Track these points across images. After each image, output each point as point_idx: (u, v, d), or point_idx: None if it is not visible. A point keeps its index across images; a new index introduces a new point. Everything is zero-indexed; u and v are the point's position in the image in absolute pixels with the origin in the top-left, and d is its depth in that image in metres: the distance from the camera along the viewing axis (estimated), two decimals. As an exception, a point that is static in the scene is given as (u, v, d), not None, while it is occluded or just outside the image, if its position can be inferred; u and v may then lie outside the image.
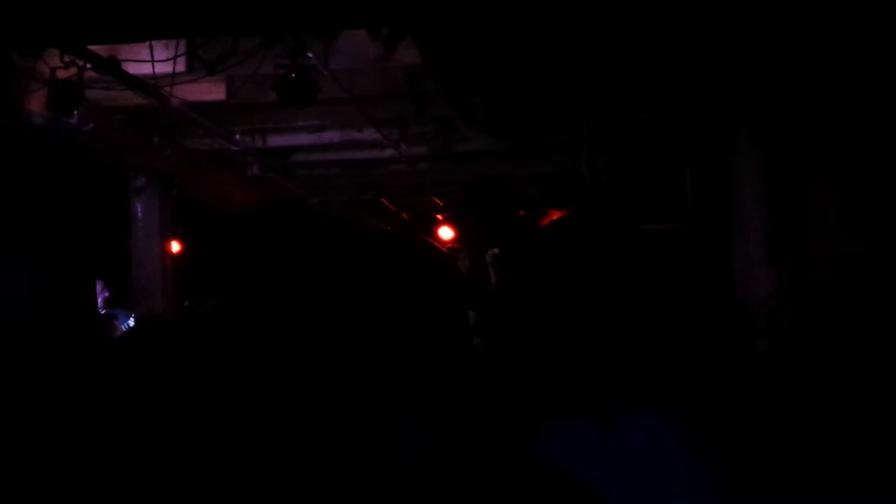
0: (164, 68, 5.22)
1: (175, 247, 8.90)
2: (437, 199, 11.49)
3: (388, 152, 8.26)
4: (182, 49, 5.17)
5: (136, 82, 5.52)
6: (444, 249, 1.45)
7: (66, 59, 5.23)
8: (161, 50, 5.17)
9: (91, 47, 5.16)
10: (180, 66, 5.30)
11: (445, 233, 11.82)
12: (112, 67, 5.22)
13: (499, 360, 1.56)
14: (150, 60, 5.09)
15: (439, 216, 12.12)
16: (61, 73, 5.36)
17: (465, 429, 1.21)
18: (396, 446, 1.12)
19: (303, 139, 8.03)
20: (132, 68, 5.40)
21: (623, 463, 1.45)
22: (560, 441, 1.45)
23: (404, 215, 12.18)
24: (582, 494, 1.18)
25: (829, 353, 3.98)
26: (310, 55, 5.20)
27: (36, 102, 5.78)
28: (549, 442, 1.45)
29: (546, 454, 1.39)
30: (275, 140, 8.01)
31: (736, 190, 5.31)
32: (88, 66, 5.24)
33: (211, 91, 6.09)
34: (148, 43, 5.08)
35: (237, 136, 7.68)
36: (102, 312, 5.34)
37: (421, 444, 1.13)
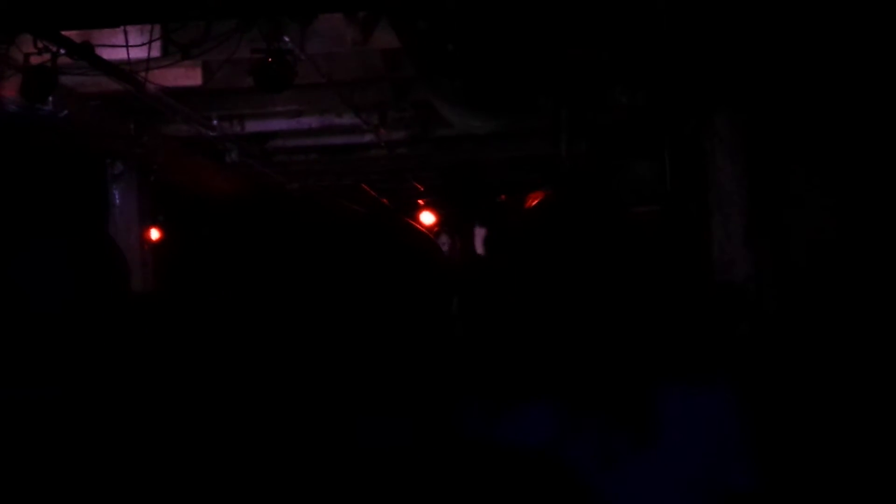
0: (138, 53, 5.16)
1: (154, 234, 8.84)
2: (417, 185, 11.47)
3: (368, 137, 8.22)
4: (157, 34, 5.11)
5: (111, 68, 5.46)
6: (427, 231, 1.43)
7: (40, 44, 5.16)
8: (136, 35, 5.11)
9: (65, 33, 5.09)
10: (155, 52, 5.24)
11: (427, 218, 11.81)
12: (86, 53, 5.16)
13: (481, 345, 1.55)
14: (125, 45, 5.03)
15: (420, 201, 12.11)
16: (35, 60, 5.29)
17: (442, 417, 1.19)
18: (375, 437, 1.11)
19: (281, 124, 7.97)
20: (106, 54, 5.34)
21: (595, 449, 1.45)
22: (541, 424, 1.45)
23: (385, 201, 12.16)
24: (555, 477, 1.17)
25: (810, 333, 4.00)
26: (286, 39, 5.15)
27: (9, 89, 5.71)
28: (533, 425, 1.45)
29: (528, 437, 1.39)
30: (253, 126, 7.95)
31: (714, 172, 5.31)
32: (62, 51, 5.17)
33: (187, 76, 6.03)
34: (122, 28, 5.02)
35: (214, 122, 7.62)
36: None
37: (399, 436, 1.12)
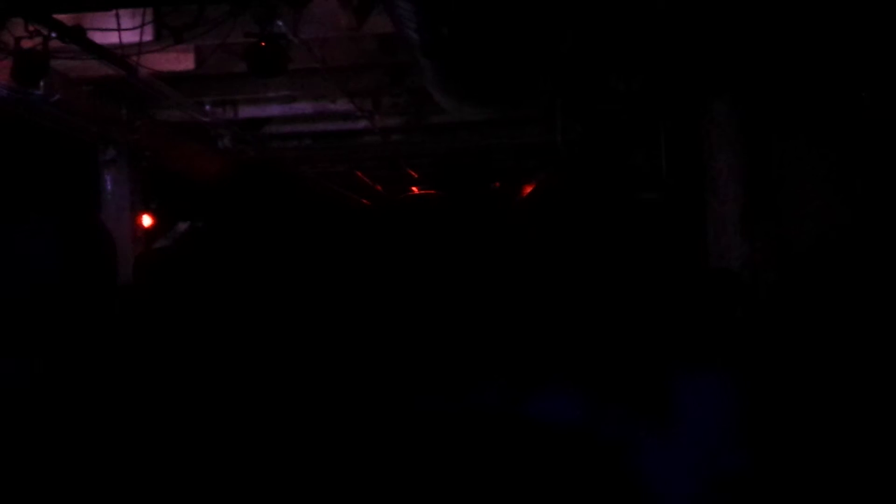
0: (131, 38, 5.12)
1: (147, 220, 8.78)
2: (411, 172, 11.43)
3: (362, 124, 8.17)
4: (149, 17, 5.07)
5: (103, 52, 5.41)
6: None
7: (31, 28, 5.11)
8: (128, 19, 5.06)
9: (56, 16, 5.04)
10: (148, 36, 5.20)
11: (420, 205, 11.77)
12: (77, 36, 5.11)
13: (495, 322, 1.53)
14: (117, 29, 4.98)
15: (414, 188, 12.07)
16: (26, 43, 5.24)
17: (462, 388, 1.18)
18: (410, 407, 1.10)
19: (275, 110, 7.92)
20: (98, 37, 5.29)
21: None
22: (565, 412, 1.44)
23: (378, 188, 12.13)
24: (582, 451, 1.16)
25: (804, 320, 3.98)
26: (280, 24, 5.10)
27: (1, 73, 5.66)
28: (556, 412, 1.44)
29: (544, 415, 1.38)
30: (246, 111, 7.90)
31: (711, 159, 5.29)
32: (53, 35, 5.12)
33: (179, 61, 5.98)
34: (114, 11, 4.97)
35: (207, 108, 7.57)
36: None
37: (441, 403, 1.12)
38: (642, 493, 1.32)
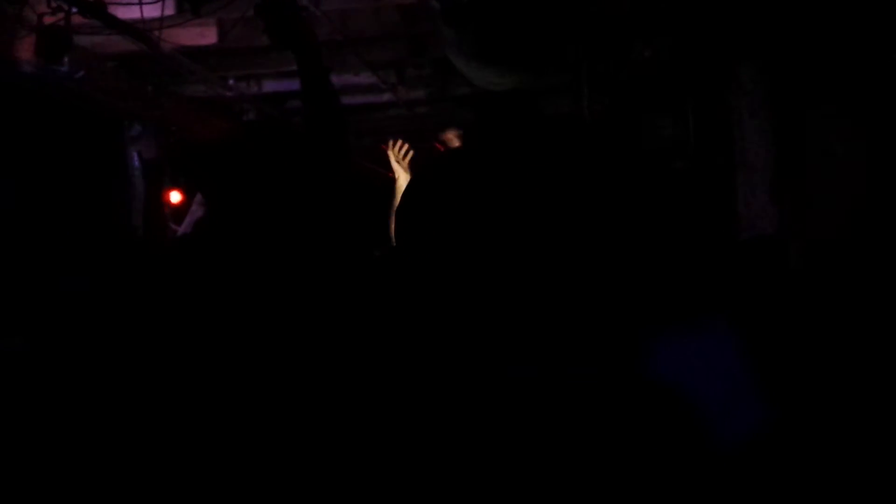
0: (152, 12, 5.10)
1: (175, 196, 8.78)
2: (438, 145, 11.38)
3: (386, 97, 8.12)
4: (170, -9, 5.06)
5: (125, 27, 5.39)
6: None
7: (53, 4, 5.11)
8: (149, -7, 5.04)
9: (78, -9, 5.03)
10: (169, 10, 5.18)
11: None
12: (98, 11, 5.09)
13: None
14: (139, 3, 4.96)
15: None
16: (48, 20, 5.24)
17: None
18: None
19: (298, 84, 7.88)
20: (121, 13, 5.28)
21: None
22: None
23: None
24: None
25: (837, 291, 3.92)
26: (302, -5, 5.07)
27: (25, 50, 5.66)
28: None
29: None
30: (270, 86, 7.87)
31: (739, 127, 5.22)
32: (75, 10, 5.11)
33: (202, 35, 5.96)
34: (135, -15, 4.95)
35: (231, 82, 7.55)
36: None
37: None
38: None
